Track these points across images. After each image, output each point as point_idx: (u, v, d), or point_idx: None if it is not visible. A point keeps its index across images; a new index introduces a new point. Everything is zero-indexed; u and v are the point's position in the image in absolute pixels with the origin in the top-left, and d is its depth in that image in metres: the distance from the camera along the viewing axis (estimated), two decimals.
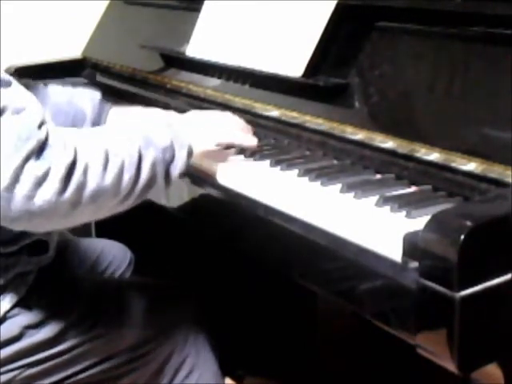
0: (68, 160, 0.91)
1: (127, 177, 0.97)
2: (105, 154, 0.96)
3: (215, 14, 1.55)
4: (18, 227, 0.95)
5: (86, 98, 1.40)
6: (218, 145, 1.17)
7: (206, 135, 1.15)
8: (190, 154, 1.08)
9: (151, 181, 1.01)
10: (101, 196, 0.95)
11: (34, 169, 0.88)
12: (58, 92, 1.42)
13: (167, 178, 1.04)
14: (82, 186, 0.92)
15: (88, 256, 1.48)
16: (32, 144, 0.89)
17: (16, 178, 0.87)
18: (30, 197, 0.88)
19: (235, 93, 1.45)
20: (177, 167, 1.05)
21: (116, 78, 1.86)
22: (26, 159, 0.88)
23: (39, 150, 0.90)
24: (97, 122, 1.38)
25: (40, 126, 0.91)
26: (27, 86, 0.98)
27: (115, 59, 1.89)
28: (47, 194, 0.89)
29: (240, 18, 1.48)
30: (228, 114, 1.26)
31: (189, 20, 1.61)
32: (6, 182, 0.87)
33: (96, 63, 1.98)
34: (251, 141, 1.20)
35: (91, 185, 0.93)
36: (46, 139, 0.91)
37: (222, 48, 1.50)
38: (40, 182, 0.89)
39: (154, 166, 1.01)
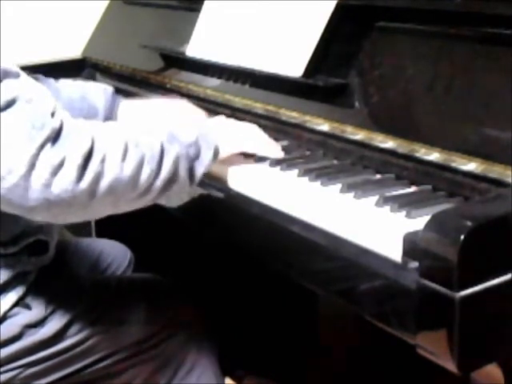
0: (85, 149, 0.91)
1: (147, 170, 0.96)
2: (124, 145, 0.95)
3: (215, 14, 1.55)
4: (37, 217, 0.94)
5: (99, 93, 1.39)
6: (242, 152, 1.15)
7: (233, 140, 1.13)
8: (216, 154, 1.06)
9: (173, 176, 1.00)
10: (119, 187, 0.94)
11: (49, 157, 0.88)
12: (70, 87, 1.41)
13: (191, 176, 1.03)
14: (99, 176, 0.91)
15: (88, 256, 1.48)
16: (47, 132, 0.89)
17: (32, 167, 0.87)
18: (47, 185, 0.88)
19: (235, 93, 1.45)
20: (202, 164, 1.03)
21: (116, 78, 1.86)
22: (41, 147, 0.88)
23: (54, 138, 0.90)
24: (109, 117, 1.37)
25: (53, 115, 0.91)
26: (36, 80, 0.98)
27: (115, 59, 1.89)
28: (64, 182, 0.89)
29: (240, 18, 1.48)
30: (255, 126, 1.22)
31: (189, 20, 1.61)
32: (22, 170, 0.87)
33: (96, 63, 1.98)
34: (277, 153, 1.18)
35: (109, 175, 0.92)
36: (61, 128, 0.91)
37: (221, 48, 1.50)
38: (56, 170, 0.88)
39: (176, 161, 1.00)
